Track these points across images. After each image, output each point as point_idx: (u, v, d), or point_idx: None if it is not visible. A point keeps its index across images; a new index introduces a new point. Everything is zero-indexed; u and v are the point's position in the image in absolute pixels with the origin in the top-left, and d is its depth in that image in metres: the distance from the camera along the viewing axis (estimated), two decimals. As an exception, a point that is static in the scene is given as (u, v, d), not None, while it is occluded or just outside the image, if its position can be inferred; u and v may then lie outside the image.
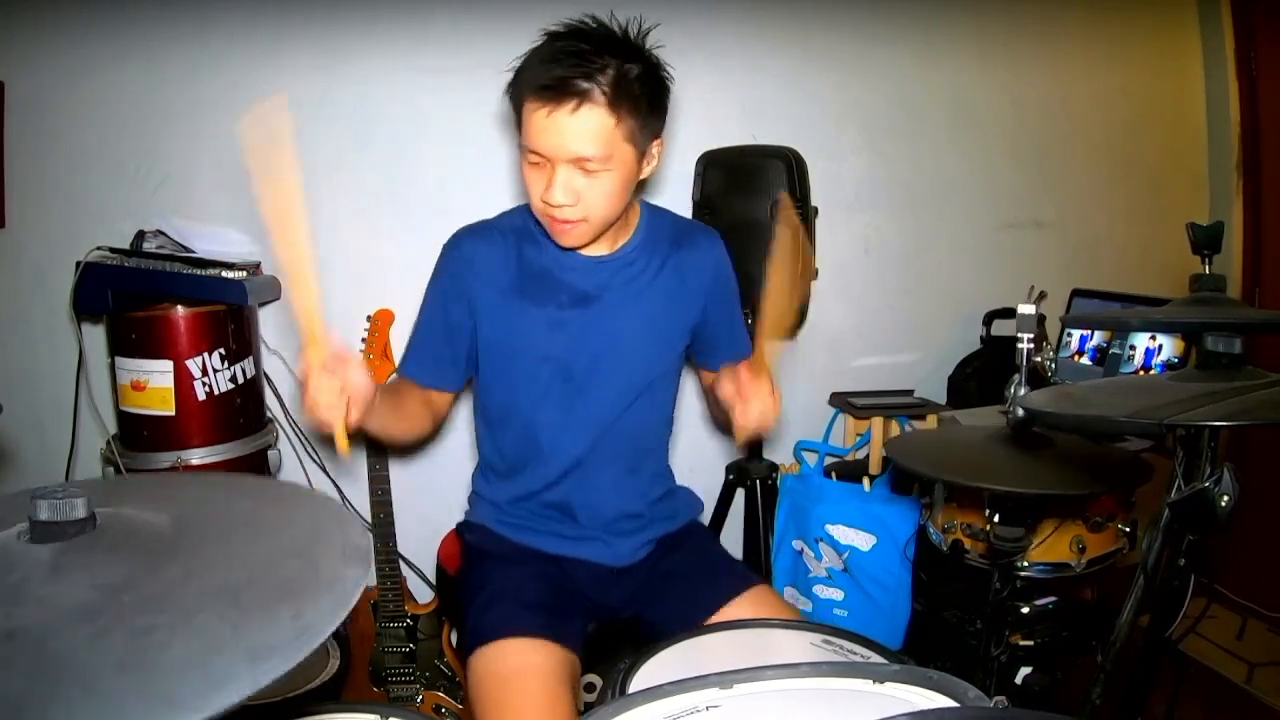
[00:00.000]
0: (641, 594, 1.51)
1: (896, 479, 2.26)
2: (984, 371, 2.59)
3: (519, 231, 1.46)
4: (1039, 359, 1.40)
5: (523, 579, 1.45)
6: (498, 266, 1.45)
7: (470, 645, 1.35)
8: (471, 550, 1.57)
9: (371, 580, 2.02)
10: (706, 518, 2.01)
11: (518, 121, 1.31)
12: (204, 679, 0.53)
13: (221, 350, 1.91)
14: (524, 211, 1.48)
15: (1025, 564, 1.53)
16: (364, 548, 0.70)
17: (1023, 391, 1.38)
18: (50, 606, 0.59)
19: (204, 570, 0.66)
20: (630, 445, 1.53)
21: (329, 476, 2.28)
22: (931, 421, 2.38)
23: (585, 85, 1.21)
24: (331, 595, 0.63)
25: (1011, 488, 1.25)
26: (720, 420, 1.54)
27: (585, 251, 1.45)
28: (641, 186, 1.43)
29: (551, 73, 1.22)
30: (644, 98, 1.27)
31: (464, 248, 1.47)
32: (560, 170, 1.26)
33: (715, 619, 1.40)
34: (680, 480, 1.68)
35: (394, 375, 1.58)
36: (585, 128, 1.23)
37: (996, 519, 1.38)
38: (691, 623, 1.39)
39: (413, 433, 1.47)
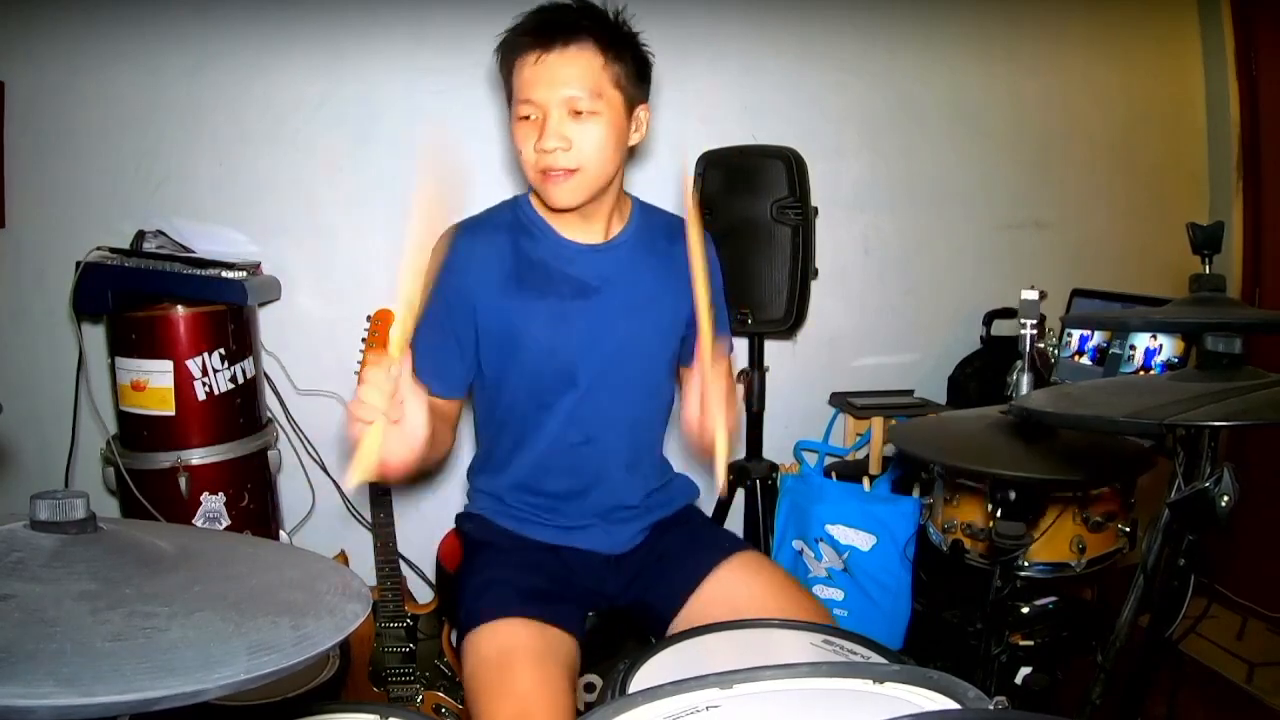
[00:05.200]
0: (638, 580, 1.52)
1: (897, 479, 2.26)
2: (984, 371, 2.59)
3: (511, 225, 1.46)
4: (1041, 345, 1.40)
5: (519, 566, 1.46)
6: (494, 260, 1.44)
7: (464, 628, 1.36)
8: (469, 540, 1.58)
9: (371, 580, 2.02)
10: (708, 510, 2.01)
11: (508, 87, 1.37)
12: (202, 658, 0.53)
13: (221, 350, 1.91)
14: (513, 205, 1.49)
15: (1025, 564, 1.53)
16: (364, 594, 0.70)
17: (1024, 378, 1.38)
18: (49, 584, 0.58)
19: (206, 582, 0.65)
20: (630, 438, 1.53)
21: (329, 476, 2.28)
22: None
23: (573, 26, 1.30)
24: (332, 619, 0.63)
25: (1013, 473, 1.25)
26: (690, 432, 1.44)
27: (580, 240, 1.45)
28: (632, 154, 1.45)
29: (541, 18, 1.32)
30: (627, 53, 1.34)
31: (459, 245, 1.43)
32: (552, 116, 1.31)
33: (705, 585, 1.43)
34: (680, 472, 1.69)
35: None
36: (576, 66, 1.30)
37: (998, 514, 1.38)
38: (684, 595, 1.42)
39: (440, 455, 1.41)
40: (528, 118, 1.33)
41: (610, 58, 1.31)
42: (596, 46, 1.30)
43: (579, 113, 1.31)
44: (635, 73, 1.36)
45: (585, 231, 1.45)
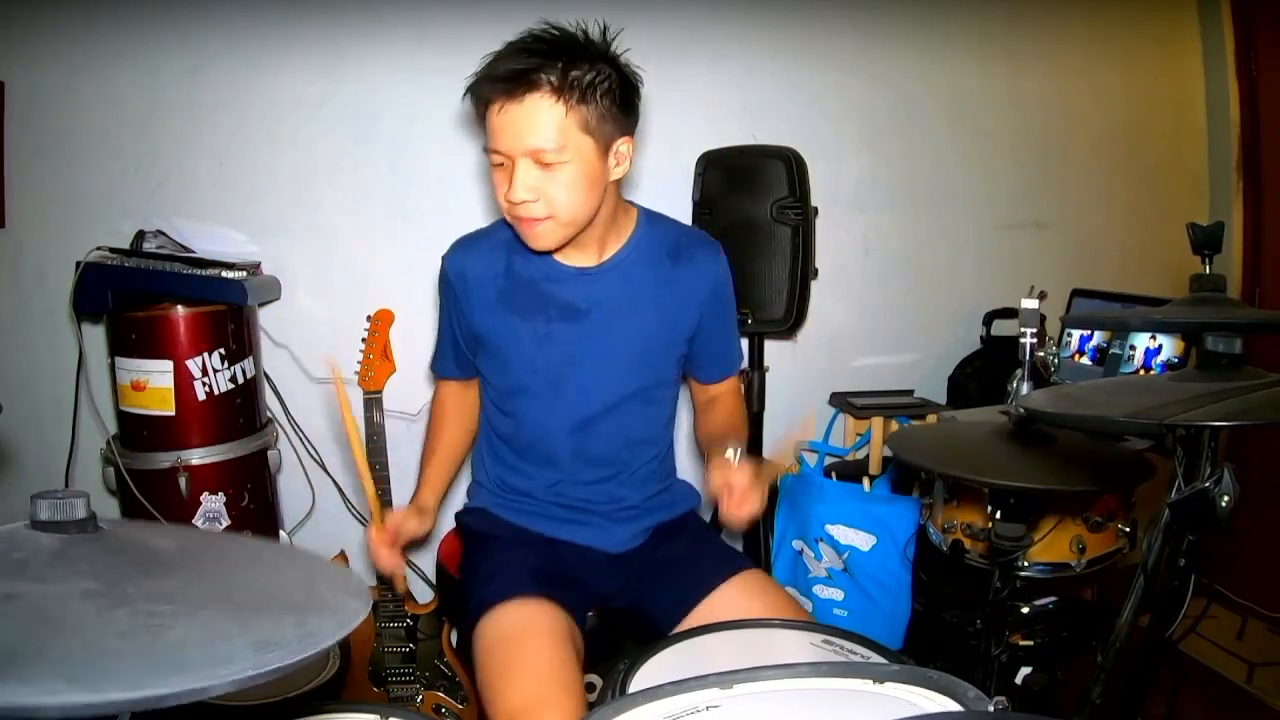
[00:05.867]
0: (636, 583, 1.52)
1: (897, 479, 2.26)
2: (984, 371, 2.59)
3: (510, 243, 1.46)
4: (1041, 354, 1.40)
5: (522, 554, 1.47)
6: (488, 279, 1.46)
7: (474, 614, 1.36)
8: (471, 533, 1.59)
9: (371, 580, 2.02)
10: (706, 516, 2.01)
11: (481, 128, 1.33)
12: (208, 656, 0.53)
13: (221, 350, 1.91)
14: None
15: (1025, 564, 1.53)
16: (364, 592, 0.71)
17: (1025, 387, 1.38)
18: (52, 583, 0.58)
19: (207, 582, 0.66)
20: (627, 451, 1.53)
21: (329, 476, 2.28)
22: (931, 421, 2.38)
23: (532, 76, 1.24)
24: (335, 616, 0.63)
25: (1013, 483, 1.24)
26: (704, 446, 1.59)
27: (572, 262, 1.44)
28: (619, 186, 1.42)
29: (498, 68, 1.26)
30: (598, 90, 1.27)
31: (456, 262, 1.49)
32: (519, 166, 1.27)
33: (706, 603, 1.42)
34: (681, 478, 1.69)
35: (432, 376, 1.67)
36: (534, 117, 1.24)
37: (997, 516, 1.38)
38: (684, 609, 1.41)
39: (469, 445, 1.66)
40: (500, 165, 1.31)
41: (574, 103, 1.24)
42: (557, 97, 1.23)
43: (546, 163, 1.26)
44: (613, 106, 1.29)
45: (578, 254, 1.44)
